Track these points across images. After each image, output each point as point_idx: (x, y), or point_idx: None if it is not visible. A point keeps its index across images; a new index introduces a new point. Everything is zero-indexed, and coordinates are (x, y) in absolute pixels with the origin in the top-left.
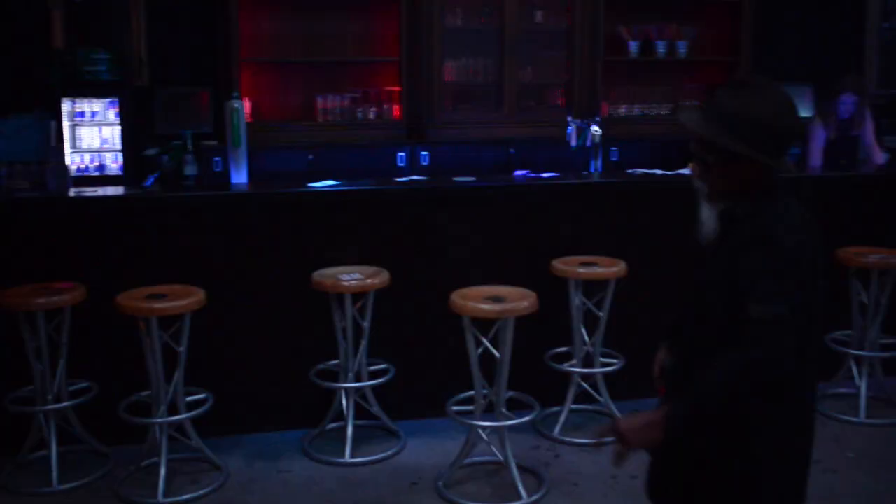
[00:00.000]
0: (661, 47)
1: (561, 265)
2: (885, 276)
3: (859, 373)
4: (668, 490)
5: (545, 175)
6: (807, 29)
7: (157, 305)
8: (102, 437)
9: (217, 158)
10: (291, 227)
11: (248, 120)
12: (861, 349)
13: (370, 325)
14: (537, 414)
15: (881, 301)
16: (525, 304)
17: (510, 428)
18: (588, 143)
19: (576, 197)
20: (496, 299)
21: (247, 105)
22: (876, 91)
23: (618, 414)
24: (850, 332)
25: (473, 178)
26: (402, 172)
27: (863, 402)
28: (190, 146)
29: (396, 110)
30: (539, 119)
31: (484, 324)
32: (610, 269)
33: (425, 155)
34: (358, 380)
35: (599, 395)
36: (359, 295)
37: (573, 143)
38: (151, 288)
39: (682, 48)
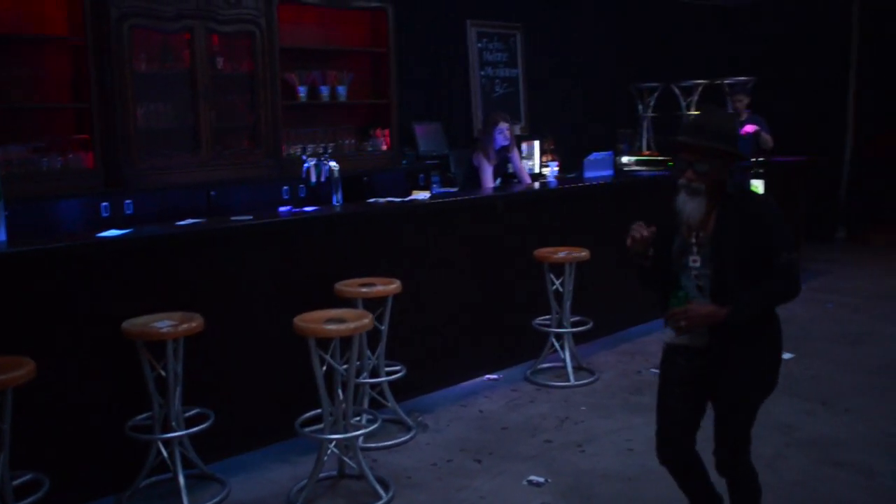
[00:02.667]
0: (324, 91)
1: (344, 287)
2: (569, 268)
3: (562, 347)
4: (725, 363)
5: (308, 209)
6: (430, 76)
7: None
8: None
9: None
10: (83, 279)
11: None
12: (560, 328)
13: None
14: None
15: (569, 288)
16: (366, 321)
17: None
18: (323, 179)
19: (349, 225)
20: (339, 320)
21: None
22: (481, 128)
23: (406, 418)
24: (549, 316)
25: (251, 217)
26: (107, 223)
27: (570, 369)
28: None
29: (88, 159)
30: (235, 161)
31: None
32: (388, 287)
33: (129, 203)
34: (174, 429)
35: (387, 400)
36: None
37: (313, 179)
38: None
39: (342, 92)
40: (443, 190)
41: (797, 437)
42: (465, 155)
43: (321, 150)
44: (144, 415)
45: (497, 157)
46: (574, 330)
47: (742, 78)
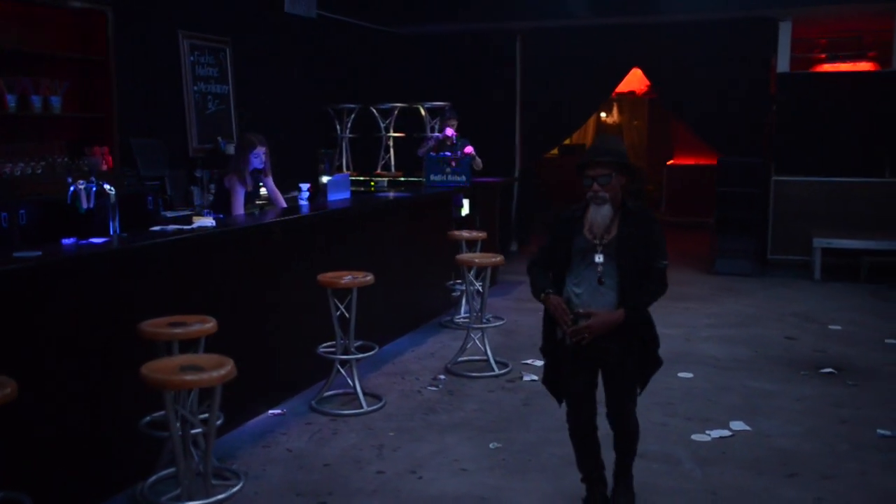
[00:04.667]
0: (36, 102)
1: (150, 328)
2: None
3: (350, 374)
4: (619, 355)
5: (95, 241)
6: (144, 89)
7: None
8: None
9: None
10: None
11: None
12: (346, 354)
13: None
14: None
15: (354, 313)
16: (229, 367)
17: None
18: (92, 204)
19: (146, 259)
20: (195, 368)
21: None
22: (196, 146)
23: (226, 468)
24: (333, 342)
25: (39, 252)
26: None
27: (361, 396)
28: None
29: None
30: None
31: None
32: (204, 325)
33: None
34: None
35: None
36: None
37: (84, 204)
38: None
39: (55, 103)
40: (217, 216)
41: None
42: (180, 176)
43: (86, 169)
44: None
45: (252, 181)
46: (361, 356)
47: (439, 102)
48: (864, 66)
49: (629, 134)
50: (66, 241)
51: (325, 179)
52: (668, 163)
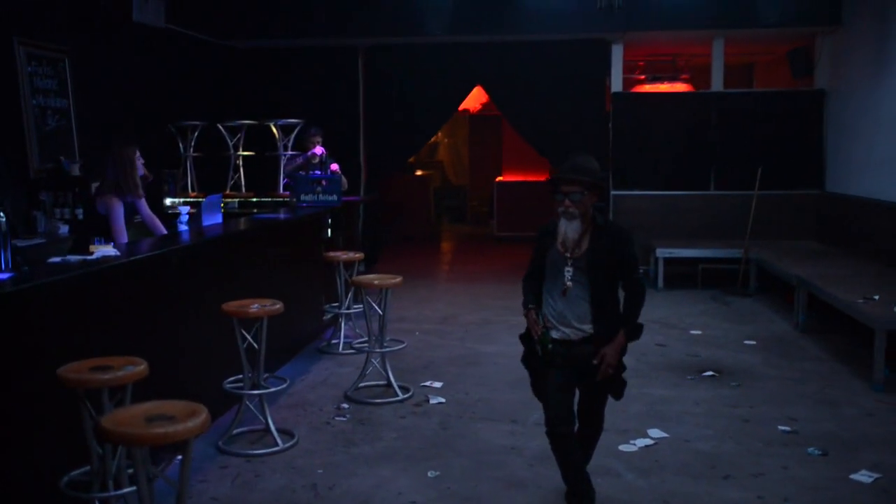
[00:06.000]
0: None
1: (72, 374)
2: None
3: (261, 409)
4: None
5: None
6: None
7: None
8: None
9: None
10: None
11: None
12: (254, 388)
13: None
14: None
15: (264, 344)
16: (203, 417)
17: None
18: None
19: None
20: (166, 417)
21: None
22: (38, 166)
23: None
24: (241, 375)
25: None
26: None
27: (275, 433)
28: None
29: None
30: None
31: None
32: (137, 368)
33: None
34: None
35: None
36: None
37: None
38: None
39: None
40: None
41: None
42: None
43: None
44: None
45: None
46: (273, 389)
47: (293, 120)
48: (680, 86)
49: (450, 152)
50: None
51: (169, 202)
52: (497, 179)
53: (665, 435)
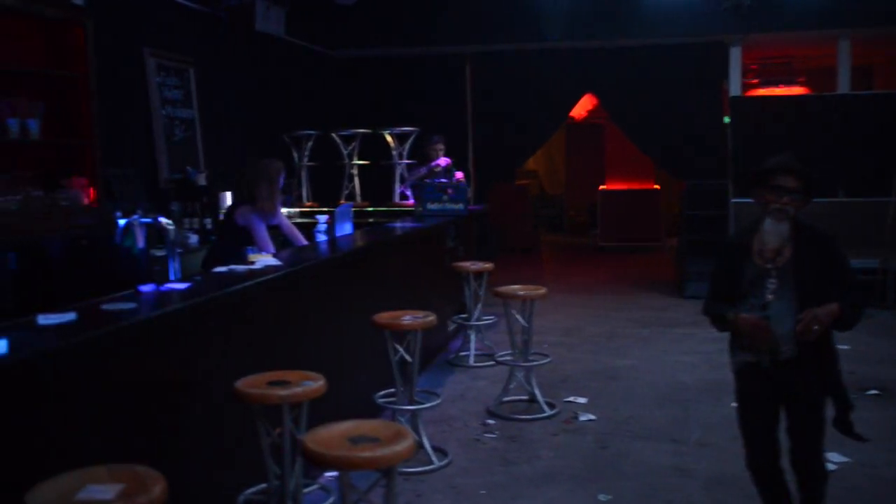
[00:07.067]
0: (13, 125)
1: (250, 388)
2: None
3: (414, 426)
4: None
5: (177, 287)
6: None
7: None
8: None
9: None
10: None
11: None
12: (408, 404)
13: None
14: None
15: (417, 358)
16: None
17: None
18: (142, 243)
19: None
20: (369, 438)
21: None
22: (167, 176)
23: None
24: (393, 388)
25: (134, 304)
26: None
27: (430, 450)
28: None
29: None
30: None
31: None
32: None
33: None
34: None
35: None
36: None
37: (140, 243)
38: None
39: (33, 127)
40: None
41: None
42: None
43: (64, 204)
44: None
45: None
46: (427, 405)
47: (408, 128)
48: (797, 90)
49: (544, 161)
50: (143, 287)
51: (285, 211)
52: (601, 188)
53: (847, 459)
